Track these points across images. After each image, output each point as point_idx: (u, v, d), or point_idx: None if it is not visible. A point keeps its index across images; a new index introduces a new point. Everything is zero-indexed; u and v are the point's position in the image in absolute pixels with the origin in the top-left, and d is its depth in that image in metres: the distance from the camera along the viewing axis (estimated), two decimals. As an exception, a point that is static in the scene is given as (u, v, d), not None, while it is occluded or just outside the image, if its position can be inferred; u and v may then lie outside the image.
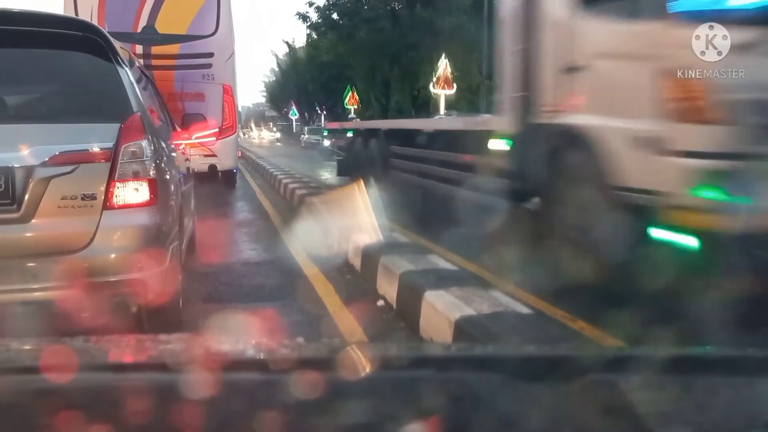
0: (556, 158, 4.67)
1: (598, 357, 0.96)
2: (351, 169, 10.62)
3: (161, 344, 1.05)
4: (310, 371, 0.70)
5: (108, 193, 2.77)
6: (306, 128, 43.57)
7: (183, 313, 3.37)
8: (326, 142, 24.14)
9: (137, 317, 2.86)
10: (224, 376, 0.71)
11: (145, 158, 2.87)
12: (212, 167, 9.48)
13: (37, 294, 2.69)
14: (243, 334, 1.64)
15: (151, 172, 2.90)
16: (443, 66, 29.58)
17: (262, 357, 0.89)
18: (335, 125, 14.89)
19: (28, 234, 2.73)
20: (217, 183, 10.11)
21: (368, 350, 0.91)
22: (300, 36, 79.81)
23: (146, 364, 0.89)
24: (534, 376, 0.75)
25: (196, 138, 6.02)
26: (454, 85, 30.16)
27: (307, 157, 25.07)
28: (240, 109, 19.17)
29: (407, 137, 8.25)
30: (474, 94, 33.63)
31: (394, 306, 3.96)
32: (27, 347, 1.01)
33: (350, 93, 44.37)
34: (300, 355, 0.89)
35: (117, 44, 3.20)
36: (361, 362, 0.75)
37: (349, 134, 11.42)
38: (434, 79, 29.58)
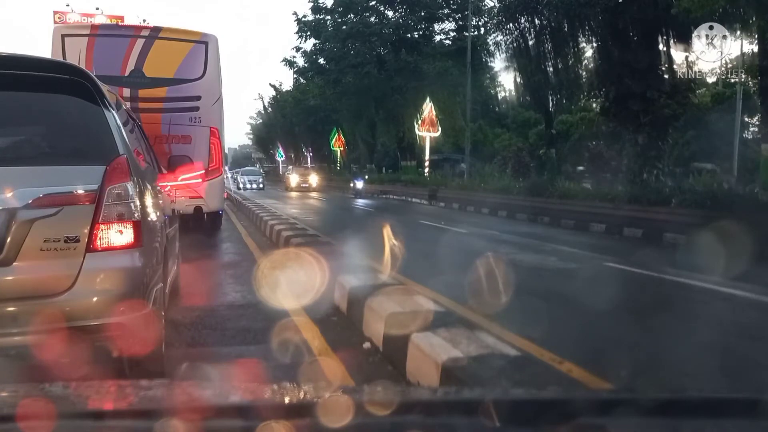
0: None
1: (587, 401, 0.96)
2: None
3: (142, 390, 1.03)
4: (294, 417, 0.69)
5: (92, 236, 2.74)
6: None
7: (165, 358, 3.30)
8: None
9: (118, 362, 2.80)
10: (207, 424, 0.69)
11: (130, 200, 2.86)
12: (198, 209, 9.48)
13: (17, 339, 2.63)
14: (226, 379, 1.61)
15: (136, 214, 2.89)
16: (428, 109, 30.15)
17: (245, 403, 0.87)
18: None
19: (9, 277, 2.68)
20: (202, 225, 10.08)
21: (354, 395, 0.90)
22: (287, 79, 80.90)
23: (127, 411, 0.87)
24: (523, 421, 0.74)
25: (183, 180, 6.03)
26: (439, 128, 30.69)
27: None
28: (226, 151, 19.26)
29: None
30: (457, 136, 34.25)
31: (381, 348, 3.92)
32: (4, 394, 0.98)
33: (336, 135, 44.86)
34: (284, 401, 0.88)
35: (104, 87, 3.21)
36: (346, 408, 0.74)
37: None
38: (419, 121, 30.07)
